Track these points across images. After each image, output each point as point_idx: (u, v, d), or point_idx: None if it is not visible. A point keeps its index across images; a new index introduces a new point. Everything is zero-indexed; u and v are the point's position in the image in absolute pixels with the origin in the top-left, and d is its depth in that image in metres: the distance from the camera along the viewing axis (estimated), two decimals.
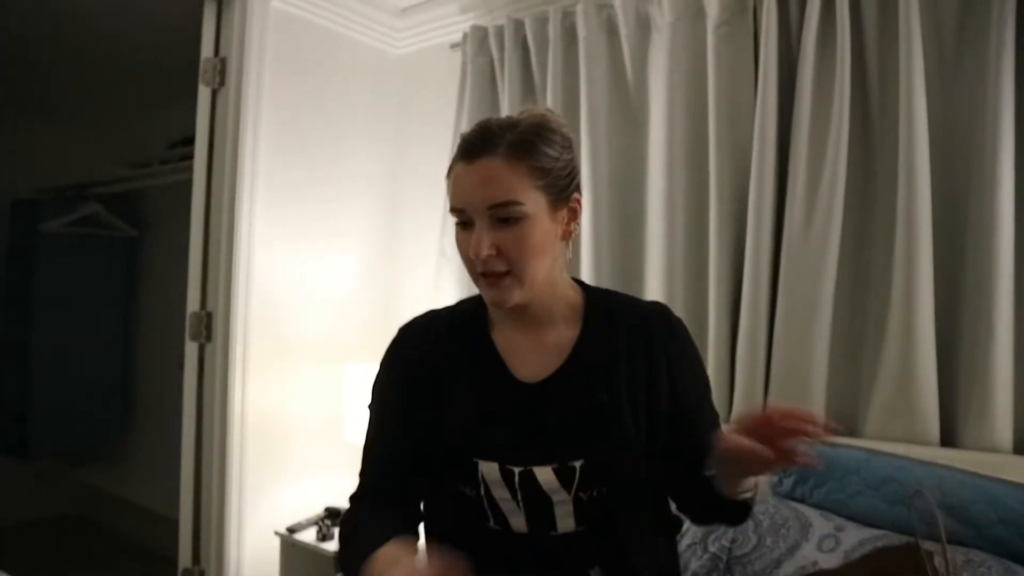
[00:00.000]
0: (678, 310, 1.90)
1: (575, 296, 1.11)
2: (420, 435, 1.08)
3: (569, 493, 1.02)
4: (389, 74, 2.75)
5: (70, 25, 2.77)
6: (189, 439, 2.36)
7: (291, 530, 2.25)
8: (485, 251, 0.96)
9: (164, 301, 3.80)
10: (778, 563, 1.32)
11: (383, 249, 2.72)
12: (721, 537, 1.42)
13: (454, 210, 1.00)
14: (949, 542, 0.79)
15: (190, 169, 3.17)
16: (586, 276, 2.10)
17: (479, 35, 2.39)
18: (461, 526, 1.08)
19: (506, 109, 2.30)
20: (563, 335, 1.08)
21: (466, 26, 2.45)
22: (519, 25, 2.30)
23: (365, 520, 1.06)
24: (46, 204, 3.72)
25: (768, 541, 1.38)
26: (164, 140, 3.65)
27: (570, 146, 1.04)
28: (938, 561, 0.70)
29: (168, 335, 3.66)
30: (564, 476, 1.02)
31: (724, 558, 1.38)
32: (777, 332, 1.81)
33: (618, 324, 1.08)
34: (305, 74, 2.46)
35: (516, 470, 1.03)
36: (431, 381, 1.10)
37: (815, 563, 1.26)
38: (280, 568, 2.28)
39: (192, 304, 2.36)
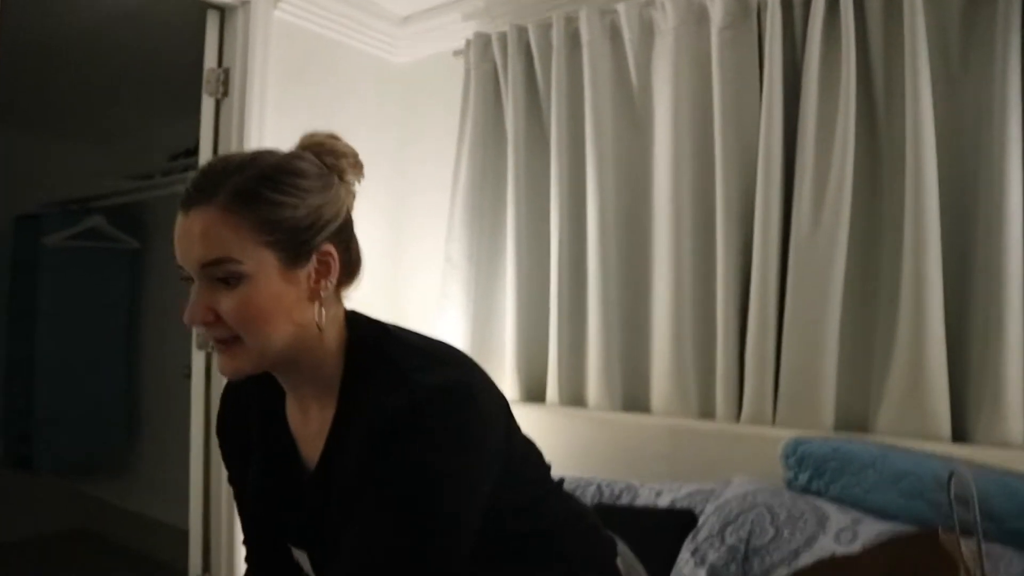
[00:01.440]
0: (685, 315, 1.97)
1: (335, 362, 0.93)
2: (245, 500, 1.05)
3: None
4: (391, 82, 2.77)
5: (70, 39, 2.78)
6: (198, 447, 2.36)
7: None
8: (199, 317, 0.84)
9: (168, 311, 3.81)
10: (796, 554, 1.32)
11: (388, 256, 2.73)
12: (739, 529, 1.43)
13: (179, 266, 0.87)
14: (968, 534, 0.79)
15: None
16: (593, 285, 2.11)
17: (482, 42, 2.41)
18: None
19: (510, 115, 2.32)
20: (327, 411, 0.93)
21: (468, 33, 2.46)
22: (522, 31, 2.32)
23: None
24: (49, 218, 3.72)
25: (785, 533, 1.38)
26: (165, 152, 3.67)
27: (324, 189, 0.90)
28: (964, 547, 0.70)
29: (172, 346, 3.66)
30: (314, 563, 0.96)
31: (742, 549, 1.38)
32: (786, 332, 1.82)
33: (367, 406, 0.87)
34: (307, 83, 2.47)
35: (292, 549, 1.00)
36: (239, 453, 1.06)
37: (833, 555, 1.26)
38: None
39: None
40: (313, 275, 0.88)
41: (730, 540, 1.42)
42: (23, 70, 3.04)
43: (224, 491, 2.31)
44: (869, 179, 1.78)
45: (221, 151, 2.31)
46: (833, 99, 1.77)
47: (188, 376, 2.54)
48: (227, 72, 2.30)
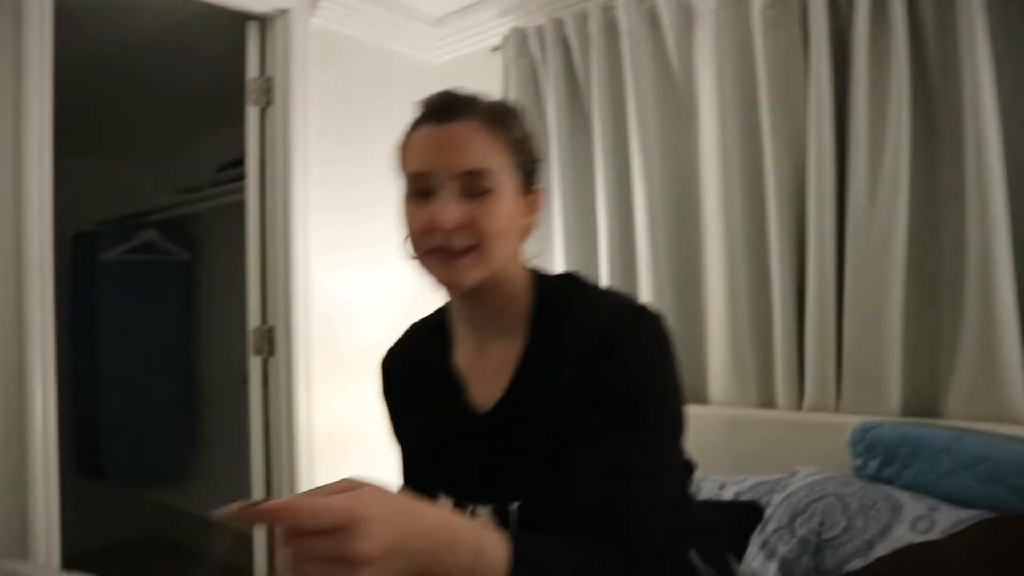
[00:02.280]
0: (740, 302, 1.92)
1: (526, 297, 0.97)
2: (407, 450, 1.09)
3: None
4: (430, 83, 2.74)
5: (113, 58, 2.84)
6: (258, 451, 2.40)
7: None
8: (452, 221, 0.85)
9: (221, 320, 3.90)
10: (871, 545, 1.28)
11: None
12: (809, 520, 1.39)
13: (412, 175, 0.90)
14: None
15: (240, 190, 3.24)
16: (644, 276, 2.08)
17: (519, 37, 2.39)
18: None
19: (551, 108, 2.30)
20: (510, 348, 0.96)
21: (505, 29, 2.45)
22: (559, 24, 2.29)
23: None
24: (104, 234, 3.83)
25: (858, 523, 1.34)
26: (212, 164, 3.74)
27: (534, 134, 0.98)
28: None
29: (227, 352, 3.74)
30: (501, 519, 0.92)
31: (813, 541, 1.34)
32: (847, 314, 1.76)
33: (567, 339, 0.91)
34: (348, 87, 2.49)
35: (468, 508, 0.96)
36: (401, 407, 1.09)
37: (910, 543, 1.22)
38: None
39: (253, 320, 2.40)
40: (529, 208, 0.95)
41: (800, 532, 1.38)
42: (70, 92, 3.13)
43: (286, 492, 2.34)
44: (926, 152, 1.71)
45: (268, 159, 2.34)
46: (884, 72, 1.71)
47: (245, 383, 2.59)
48: (269, 81, 2.32)
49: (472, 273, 0.89)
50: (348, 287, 2.47)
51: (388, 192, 2.55)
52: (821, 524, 1.38)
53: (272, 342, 2.38)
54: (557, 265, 2.28)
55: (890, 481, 1.47)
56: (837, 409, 1.77)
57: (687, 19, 2.07)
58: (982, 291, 1.58)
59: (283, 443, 2.36)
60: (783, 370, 1.85)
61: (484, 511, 0.94)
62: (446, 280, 0.90)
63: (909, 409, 1.70)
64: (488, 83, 2.51)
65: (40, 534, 1.80)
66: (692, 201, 2.07)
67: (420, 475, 1.04)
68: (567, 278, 1.01)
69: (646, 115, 2.09)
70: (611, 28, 2.18)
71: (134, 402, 3.80)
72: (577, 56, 2.26)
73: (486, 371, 0.97)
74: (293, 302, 2.32)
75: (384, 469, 2.44)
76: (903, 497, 1.38)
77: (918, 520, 1.29)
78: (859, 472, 1.54)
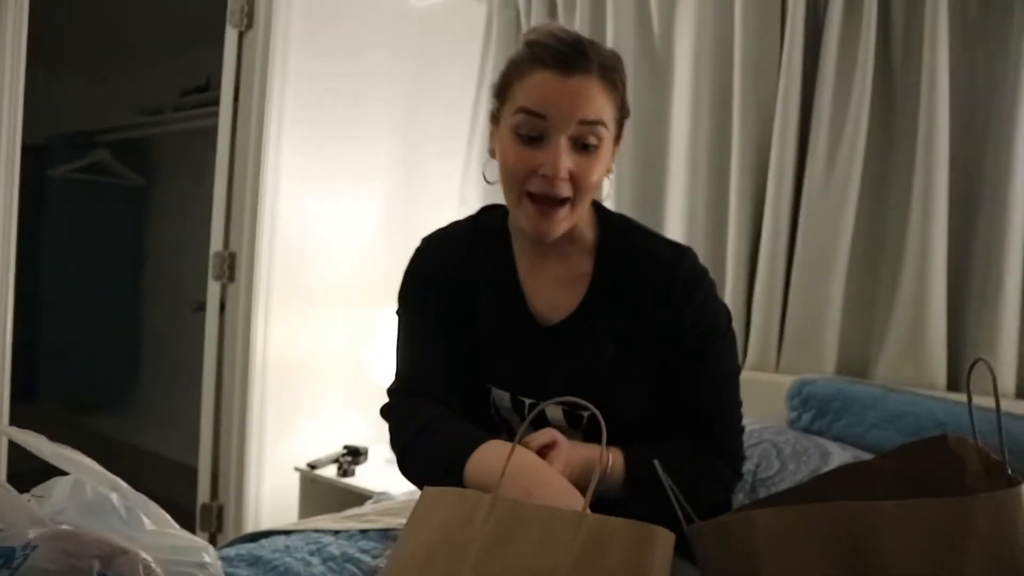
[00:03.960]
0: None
1: (591, 225, 1.08)
2: (452, 342, 1.09)
3: (578, 430, 1.05)
4: (411, 25, 2.76)
5: None
6: (210, 377, 2.41)
7: (311, 466, 2.31)
8: (563, 172, 0.92)
9: (175, 247, 3.83)
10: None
11: (402, 196, 2.76)
12: (746, 462, 1.50)
13: (529, 113, 0.93)
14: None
15: (203, 117, 3.20)
16: None
17: None
18: None
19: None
20: (579, 267, 1.06)
21: None
22: None
23: (433, 419, 1.01)
24: (53, 150, 3.71)
25: (791, 466, 1.46)
26: (174, 87, 3.66)
27: None
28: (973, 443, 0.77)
29: (179, 281, 3.70)
30: (572, 419, 1.04)
31: (749, 480, 1.46)
32: (794, 281, 1.88)
33: (631, 264, 1.04)
34: (329, 21, 2.48)
35: (527, 401, 1.05)
36: (452, 299, 1.09)
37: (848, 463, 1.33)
38: (299, 502, 2.35)
39: (216, 244, 2.39)
40: (612, 155, 1.02)
41: None
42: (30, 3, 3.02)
43: (235, 423, 2.37)
44: (883, 133, 1.83)
45: (243, 83, 2.32)
46: (852, 56, 1.82)
47: (198, 310, 2.58)
48: (252, 3, 2.30)
49: (564, 225, 0.98)
50: (314, 219, 2.49)
51: (362, 127, 2.60)
52: (757, 465, 1.50)
53: (233, 268, 2.38)
54: None
55: (820, 433, 1.61)
56: (777, 369, 1.90)
57: None
58: (918, 269, 1.72)
59: (236, 371, 2.38)
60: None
61: (556, 411, 1.04)
62: (539, 229, 0.97)
63: (842, 372, 1.83)
64: (471, 32, 2.54)
65: None
66: (659, 161, 2.15)
67: (471, 370, 1.08)
68: (618, 215, 1.12)
69: None
70: None
71: (74, 327, 3.73)
72: (561, 12, 2.30)
73: (547, 285, 1.07)
74: (258, 229, 2.32)
75: (334, 402, 2.52)
76: (832, 447, 1.52)
77: None
78: (793, 424, 1.67)
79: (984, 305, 1.68)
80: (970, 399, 0.73)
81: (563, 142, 0.92)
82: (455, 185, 2.51)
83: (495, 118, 1.03)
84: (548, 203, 0.95)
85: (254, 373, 2.36)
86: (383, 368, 2.32)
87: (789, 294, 1.90)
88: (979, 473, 0.74)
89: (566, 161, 0.92)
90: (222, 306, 2.42)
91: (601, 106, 0.94)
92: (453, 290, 1.09)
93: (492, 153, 1.05)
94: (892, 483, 0.84)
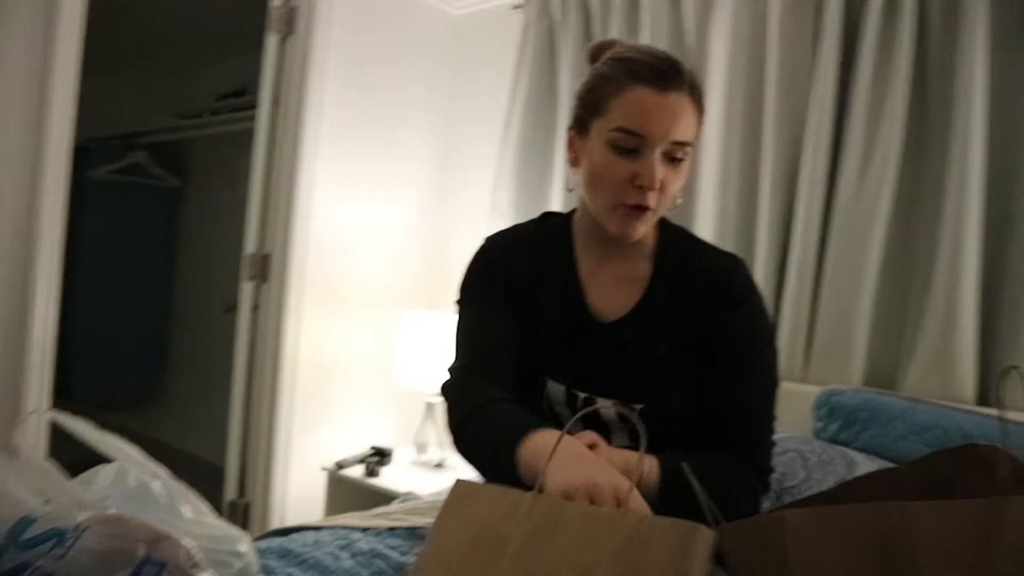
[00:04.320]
0: None
1: (653, 231, 1.14)
2: (514, 334, 1.12)
3: (627, 427, 1.09)
4: (449, 34, 2.81)
5: None
6: (241, 376, 2.46)
7: (339, 465, 2.34)
8: (657, 183, 0.99)
9: (208, 248, 3.92)
10: None
11: (435, 204, 2.81)
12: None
13: (629, 133, 0.99)
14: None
15: (239, 120, 3.27)
16: None
17: None
18: None
19: (565, 74, 2.37)
20: (638, 270, 1.13)
21: None
22: None
23: (492, 400, 1.04)
24: (93, 151, 3.80)
25: (816, 476, 1.46)
26: (211, 93, 3.74)
27: None
28: (1003, 451, 0.77)
29: (211, 282, 3.77)
30: (623, 415, 1.08)
31: (775, 488, 1.46)
32: (823, 293, 1.88)
33: (688, 270, 1.11)
34: (368, 28, 2.53)
35: (580, 395, 1.10)
36: (515, 293, 1.14)
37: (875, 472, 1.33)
38: (325, 501, 2.38)
39: (250, 245, 2.44)
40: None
41: None
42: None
43: (264, 422, 2.41)
44: (916, 147, 1.82)
45: (283, 90, 2.38)
46: (887, 71, 1.82)
47: (229, 310, 2.63)
48: (293, 11, 2.35)
49: (645, 228, 1.06)
50: (348, 222, 2.53)
51: (397, 133, 2.65)
52: (783, 474, 1.49)
53: (267, 268, 2.43)
54: None
55: (846, 443, 1.60)
56: (804, 380, 1.90)
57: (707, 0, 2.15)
58: (948, 282, 1.71)
59: (267, 371, 2.42)
60: None
61: (605, 403, 1.08)
62: (624, 231, 1.04)
63: (869, 383, 1.83)
64: (506, 40, 2.58)
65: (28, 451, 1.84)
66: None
67: (524, 361, 1.12)
68: (674, 224, 1.19)
69: None
70: (633, 0, 2.25)
71: (106, 324, 3.80)
72: (596, 24, 2.33)
73: (607, 285, 1.13)
74: (292, 231, 2.37)
75: (362, 403, 2.55)
76: (858, 457, 1.51)
77: None
78: (819, 434, 1.67)
79: (1016, 320, 1.67)
80: (1001, 404, 0.73)
81: (657, 156, 0.99)
82: (486, 192, 2.54)
83: (582, 128, 1.08)
84: (638, 211, 1.03)
85: (284, 372, 2.41)
86: (409, 371, 2.35)
87: (818, 305, 1.90)
88: (1009, 479, 0.74)
89: (660, 172, 0.99)
90: (255, 307, 2.47)
91: (691, 124, 1.01)
92: (517, 284, 1.14)
93: (574, 162, 1.11)
94: (920, 488, 0.85)
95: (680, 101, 0.98)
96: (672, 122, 0.98)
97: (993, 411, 1.57)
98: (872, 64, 1.82)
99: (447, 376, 1.16)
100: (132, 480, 1.00)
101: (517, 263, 1.17)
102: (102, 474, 1.01)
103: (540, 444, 0.89)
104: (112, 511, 0.87)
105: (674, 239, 1.15)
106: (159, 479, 1.00)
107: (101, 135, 3.86)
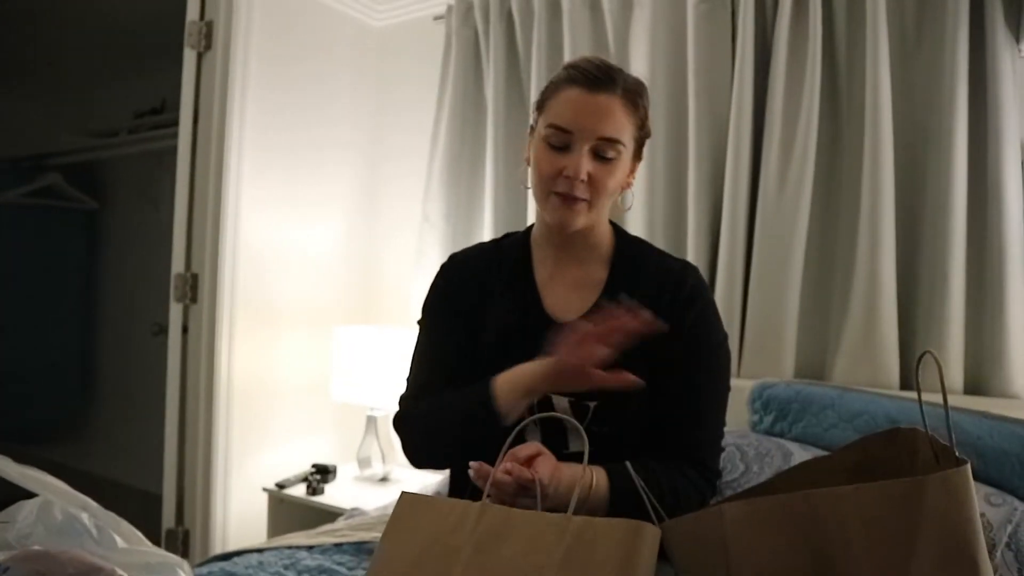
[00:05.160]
0: None
1: (608, 235, 1.20)
2: (461, 349, 1.16)
3: (582, 424, 1.09)
4: (370, 46, 2.79)
5: None
6: (173, 400, 2.38)
7: (280, 486, 2.29)
8: (581, 174, 1.05)
9: (131, 271, 3.77)
10: None
11: (365, 217, 2.78)
12: None
13: (558, 129, 1.07)
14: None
15: (158, 139, 3.18)
16: None
17: (464, 7, 2.45)
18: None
19: (491, 81, 2.38)
20: (594, 274, 1.18)
21: None
22: None
23: (428, 402, 1.14)
24: (1, 173, 3.64)
25: (755, 468, 1.50)
26: (126, 111, 3.62)
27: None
28: (931, 436, 0.81)
29: (136, 305, 3.64)
30: (578, 410, 1.11)
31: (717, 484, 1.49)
32: (752, 289, 1.94)
33: (643, 275, 1.16)
34: (288, 42, 2.49)
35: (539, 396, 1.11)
36: (472, 304, 1.19)
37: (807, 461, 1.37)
38: (268, 523, 2.32)
39: (177, 265, 2.37)
40: (631, 173, 1.15)
41: None
42: None
43: (200, 446, 2.34)
44: (831, 145, 1.91)
45: (203, 106, 2.32)
46: (800, 69, 1.89)
47: (157, 334, 2.54)
48: (210, 25, 2.30)
49: (582, 219, 1.10)
50: (277, 239, 2.48)
51: (323, 148, 2.61)
52: (723, 469, 1.52)
53: (195, 289, 2.36)
54: (486, 231, 2.37)
55: (781, 434, 1.65)
56: (738, 374, 1.95)
57: (626, 6, 2.19)
58: (869, 274, 1.79)
59: (201, 393, 2.35)
60: None
61: (560, 400, 1.11)
62: (561, 220, 1.10)
63: (801, 375, 1.89)
64: (429, 52, 2.57)
65: None
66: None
67: (488, 366, 1.13)
68: (630, 233, 1.26)
69: None
70: (554, 7, 2.28)
71: (26, 355, 3.64)
72: (519, 31, 2.35)
73: (563, 289, 1.18)
74: (220, 249, 2.31)
75: (300, 420, 2.50)
76: (793, 447, 1.56)
77: None
78: (755, 427, 1.72)
79: (932, 307, 1.75)
80: (919, 389, 0.77)
81: (585, 151, 1.06)
82: (418, 203, 2.53)
83: (533, 128, 1.17)
84: (571, 200, 1.08)
85: (219, 394, 2.34)
86: (347, 386, 2.32)
87: (748, 302, 1.95)
88: (930, 460, 0.78)
89: (586, 166, 1.06)
90: (184, 328, 2.40)
91: (621, 125, 1.07)
92: (467, 299, 1.19)
93: (528, 160, 1.17)
94: (851, 473, 0.89)
95: (610, 102, 1.05)
96: (598, 120, 1.05)
97: (915, 395, 1.64)
98: (785, 65, 1.90)
99: (398, 407, 1.21)
100: (58, 513, 0.95)
101: (470, 279, 1.22)
102: (23, 511, 0.96)
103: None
104: (36, 547, 0.84)
105: (629, 245, 1.21)
106: (87, 510, 0.96)
107: (7, 156, 3.70)
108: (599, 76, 1.06)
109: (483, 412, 1.03)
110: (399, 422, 1.19)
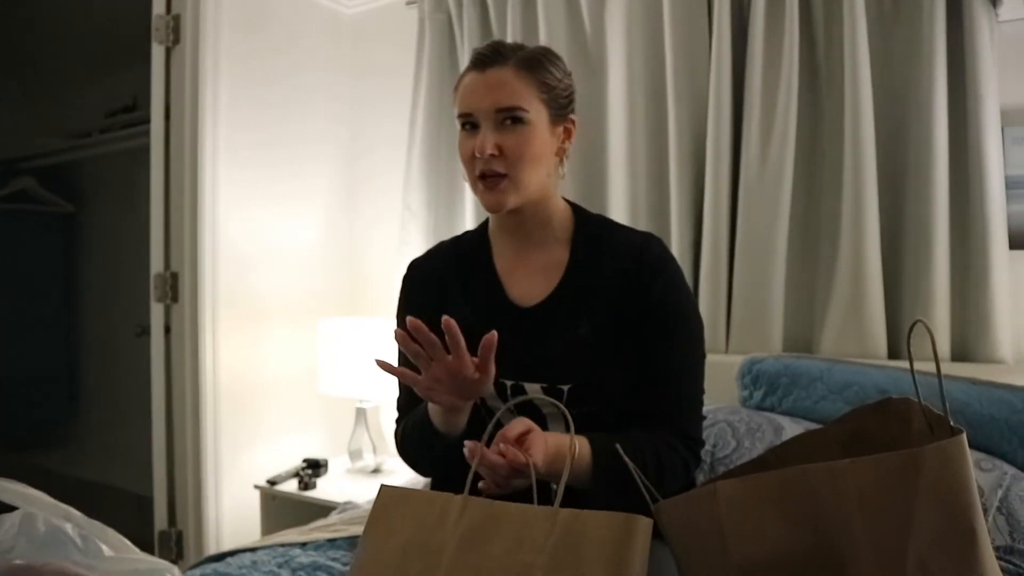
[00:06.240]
0: None
1: (566, 216, 1.18)
2: None
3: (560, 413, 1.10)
4: (343, 34, 2.75)
5: None
6: (160, 400, 2.35)
7: (271, 482, 2.27)
8: (489, 149, 1.04)
9: (110, 273, 3.72)
10: None
11: (345, 207, 2.75)
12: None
13: (462, 115, 1.08)
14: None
15: (133, 137, 3.12)
16: None
17: None
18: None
19: (466, 65, 2.34)
20: (556, 257, 1.15)
21: None
22: None
23: (407, 420, 1.16)
24: None
25: (746, 444, 1.50)
26: (99, 110, 3.55)
27: (570, 74, 1.15)
28: (916, 402, 0.81)
29: (117, 307, 3.59)
30: (551, 394, 1.09)
31: (708, 460, 1.49)
32: (737, 265, 1.94)
33: (605, 251, 1.14)
34: (259, 34, 2.45)
35: (508, 383, 1.11)
36: (434, 306, 1.15)
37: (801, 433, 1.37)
38: (261, 520, 2.30)
39: (156, 265, 2.33)
40: (563, 135, 1.12)
41: None
42: None
43: (189, 446, 2.31)
44: (812, 118, 1.90)
45: (174, 100, 2.27)
46: (778, 43, 1.88)
47: (141, 335, 2.50)
48: (177, 19, 2.25)
49: (510, 197, 1.08)
50: (257, 233, 2.45)
51: (300, 139, 2.58)
52: (714, 446, 1.53)
53: (176, 288, 2.33)
54: (468, 219, 2.35)
55: (771, 409, 1.65)
56: (726, 350, 1.95)
57: None
58: (853, 245, 1.78)
59: (187, 393, 2.32)
60: None
61: (533, 388, 1.10)
62: (490, 203, 1.09)
63: (789, 349, 1.89)
64: (403, 39, 2.53)
65: None
66: (599, 157, 2.18)
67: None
68: (592, 212, 1.23)
69: None
70: None
71: (7, 363, 3.58)
72: (493, 14, 2.32)
73: (525, 275, 1.17)
74: (200, 249, 2.27)
75: (289, 416, 2.48)
76: (784, 421, 1.56)
77: None
78: (745, 402, 1.72)
79: (917, 276, 1.76)
80: (911, 359, 0.76)
81: (488, 127, 1.06)
82: (397, 193, 2.50)
83: None
84: (491, 178, 1.07)
85: (205, 393, 2.31)
86: (335, 379, 2.30)
87: (734, 277, 1.95)
88: (924, 429, 0.77)
89: (490, 141, 1.05)
90: (167, 328, 2.36)
91: (517, 92, 1.05)
92: (431, 301, 1.18)
93: None
94: (844, 446, 0.88)
95: (501, 74, 1.05)
96: (491, 94, 1.05)
97: (903, 364, 1.64)
98: (762, 42, 1.88)
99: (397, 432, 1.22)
100: (41, 525, 0.94)
101: (431, 281, 1.22)
102: (4, 525, 0.94)
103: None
104: (18, 561, 0.82)
105: (589, 223, 1.19)
106: (71, 520, 0.94)
107: None
108: (487, 55, 1.07)
109: (430, 430, 1.04)
110: (397, 443, 1.21)
